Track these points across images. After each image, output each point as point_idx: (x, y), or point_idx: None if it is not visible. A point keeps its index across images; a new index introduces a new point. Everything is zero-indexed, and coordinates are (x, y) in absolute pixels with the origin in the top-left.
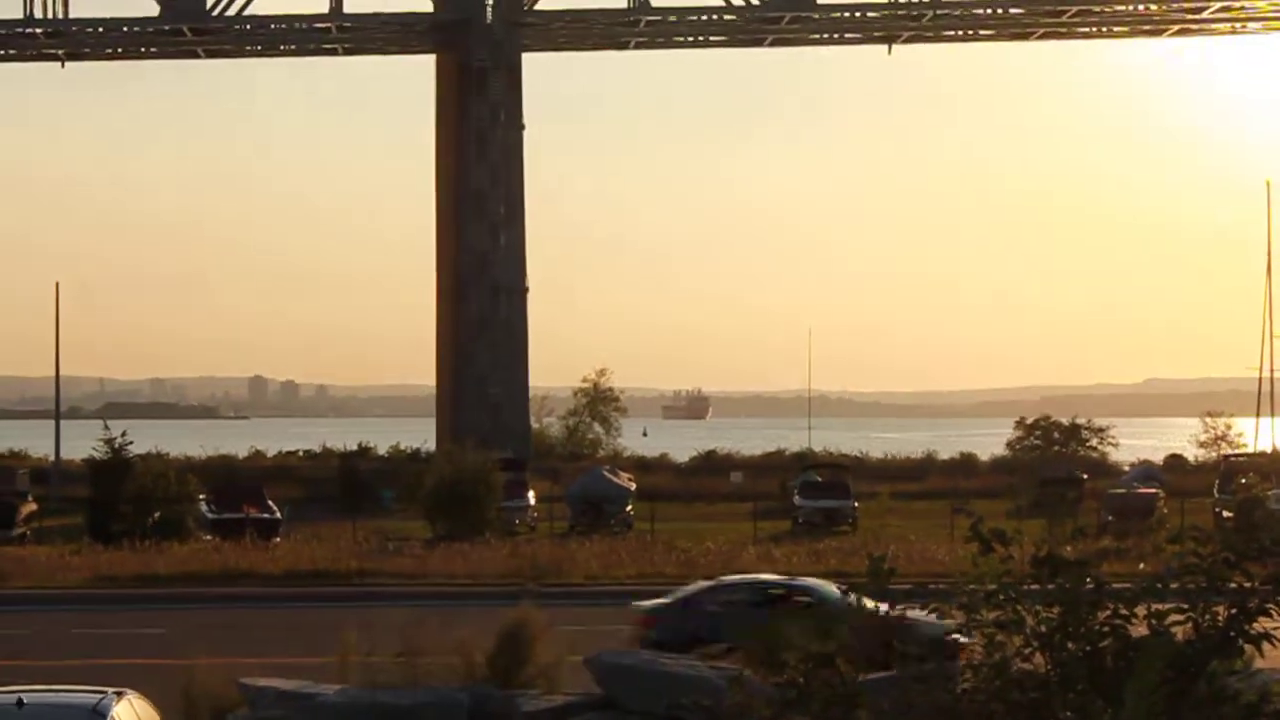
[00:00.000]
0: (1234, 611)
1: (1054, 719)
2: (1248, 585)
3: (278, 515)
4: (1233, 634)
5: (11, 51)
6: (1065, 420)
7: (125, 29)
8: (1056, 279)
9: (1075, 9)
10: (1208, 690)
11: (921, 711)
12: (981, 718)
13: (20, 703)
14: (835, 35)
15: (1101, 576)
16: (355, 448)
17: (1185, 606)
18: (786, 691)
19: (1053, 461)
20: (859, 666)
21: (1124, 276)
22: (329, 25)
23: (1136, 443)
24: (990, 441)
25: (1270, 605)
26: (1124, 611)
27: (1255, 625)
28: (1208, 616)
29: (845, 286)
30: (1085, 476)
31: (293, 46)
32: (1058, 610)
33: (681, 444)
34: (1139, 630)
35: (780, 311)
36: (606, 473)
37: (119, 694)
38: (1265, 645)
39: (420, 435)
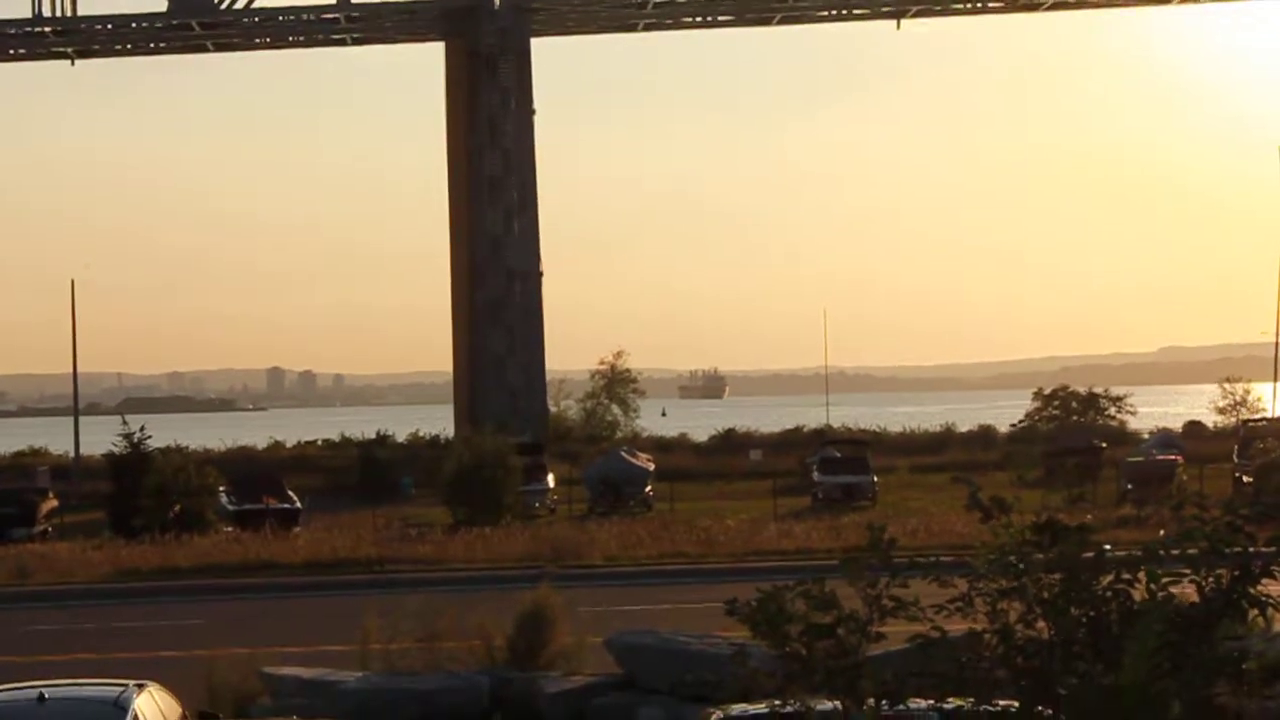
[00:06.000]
0: (1237, 574)
1: (1057, 684)
2: (1251, 549)
3: (297, 505)
4: (1236, 597)
5: (21, 51)
6: (1083, 390)
7: (134, 25)
8: (1071, 249)
9: None
10: (1211, 654)
11: (925, 680)
12: (985, 685)
13: (42, 697)
14: (843, 11)
15: (1100, 543)
16: (374, 436)
17: (1187, 571)
18: (790, 664)
19: (1071, 431)
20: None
21: (1138, 244)
22: (337, 15)
23: (1154, 410)
24: (1009, 413)
25: (1274, 567)
26: (1126, 576)
27: (1259, 588)
28: (1211, 580)
29: (859, 263)
30: (1104, 445)
31: (301, 38)
32: (1060, 577)
33: (700, 423)
34: (1144, 596)
35: (795, 289)
36: (625, 454)
37: (140, 686)
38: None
39: (438, 422)
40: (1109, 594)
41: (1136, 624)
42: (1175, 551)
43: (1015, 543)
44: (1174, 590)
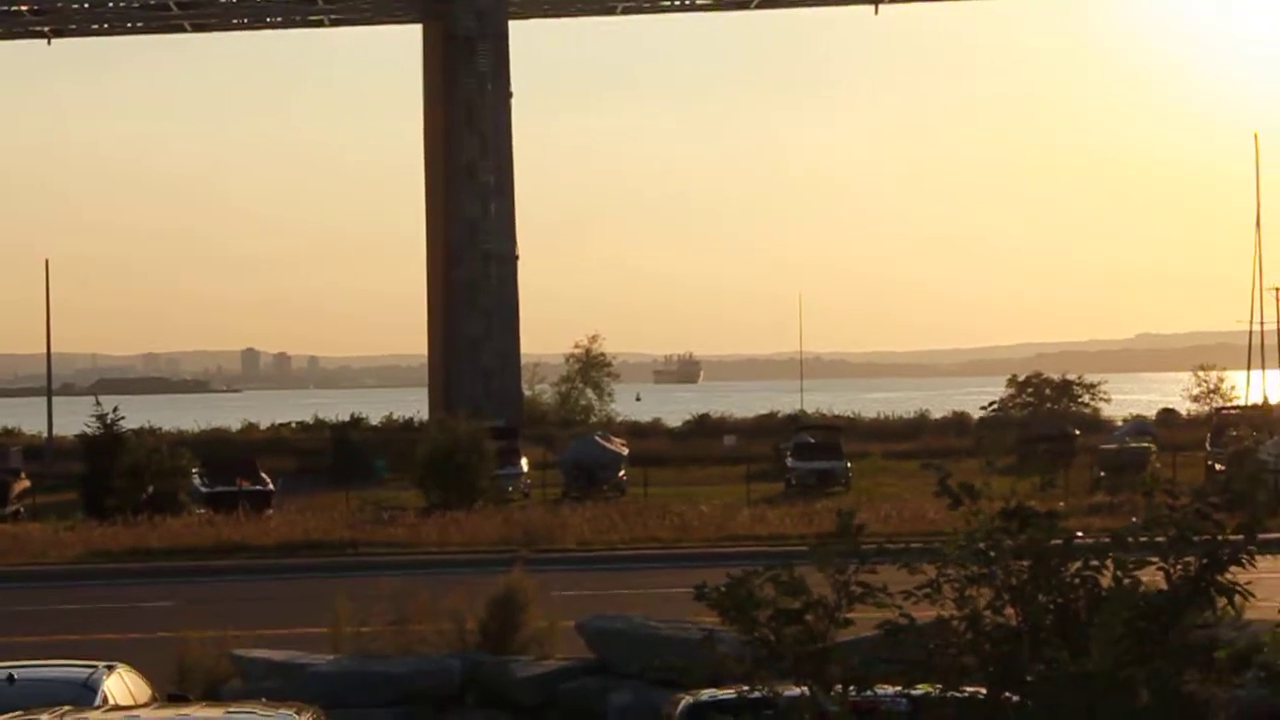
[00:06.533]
0: (1205, 562)
1: (1025, 670)
2: (1219, 536)
3: (270, 487)
4: (1204, 584)
5: None
6: (1057, 377)
7: (111, 4)
8: (1047, 236)
9: None
10: (1180, 641)
11: (893, 666)
12: (953, 671)
13: (11, 678)
14: None
15: (1072, 530)
16: (348, 419)
17: (1154, 559)
18: (758, 649)
19: (1044, 418)
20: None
21: (1114, 231)
22: None
23: (1128, 398)
24: (983, 399)
25: (1242, 555)
26: (1094, 563)
27: (1227, 575)
28: (1179, 567)
29: (835, 248)
30: (1077, 432)
31: (279, 19)
32: (1028, 563)
33: (674, 409)
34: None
35: (771, 274)
36: (599, 438)
37: (110, 667)
38: (1250, 595)
39: (413, 405)
40: (1077, 581)
41: (1103, 610)
42: (1144, 539)
43: (985, 529)
44: (1143, 578)
